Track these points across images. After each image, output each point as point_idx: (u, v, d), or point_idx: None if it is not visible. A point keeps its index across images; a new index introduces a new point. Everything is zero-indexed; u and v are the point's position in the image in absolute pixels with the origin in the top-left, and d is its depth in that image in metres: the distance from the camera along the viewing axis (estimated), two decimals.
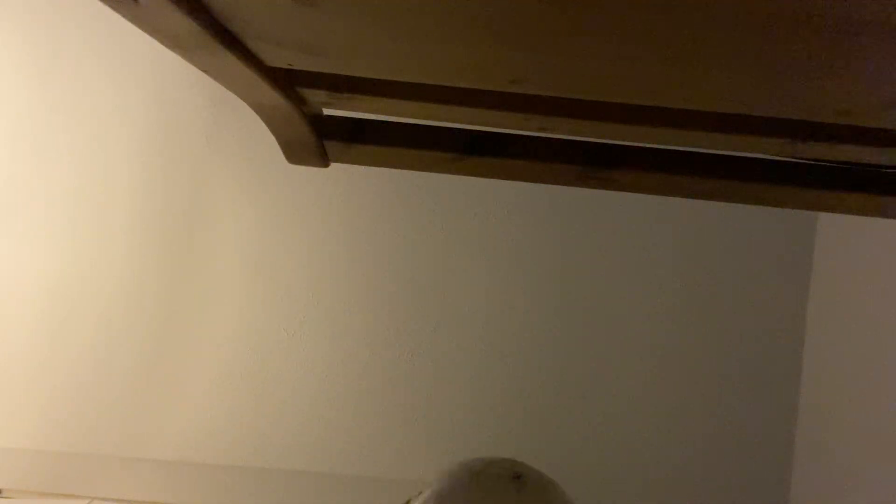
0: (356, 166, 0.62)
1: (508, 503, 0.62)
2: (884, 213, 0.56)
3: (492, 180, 0.62)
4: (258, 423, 1.18)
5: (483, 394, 1.15)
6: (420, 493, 0.66)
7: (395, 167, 0.60)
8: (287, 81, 0.46)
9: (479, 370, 1.15)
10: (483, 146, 0.56)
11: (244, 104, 0.50)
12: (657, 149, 0.55)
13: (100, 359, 1.19)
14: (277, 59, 0.42)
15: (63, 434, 1.18)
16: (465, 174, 0.59)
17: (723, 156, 0.55)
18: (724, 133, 0.46)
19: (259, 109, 0.51)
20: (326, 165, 0.60)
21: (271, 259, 1.19)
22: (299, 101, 0.50)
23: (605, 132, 0.51)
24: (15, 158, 1.21)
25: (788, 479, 1.12)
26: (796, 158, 0.53)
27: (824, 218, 1.12)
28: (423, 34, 0.34)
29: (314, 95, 0.49)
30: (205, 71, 0.42)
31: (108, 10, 0.32)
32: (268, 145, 1.14)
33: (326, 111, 0.56)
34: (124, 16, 0.33)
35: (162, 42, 0.36)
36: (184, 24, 0.32)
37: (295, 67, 0.44)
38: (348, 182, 1.20)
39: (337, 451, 1.17)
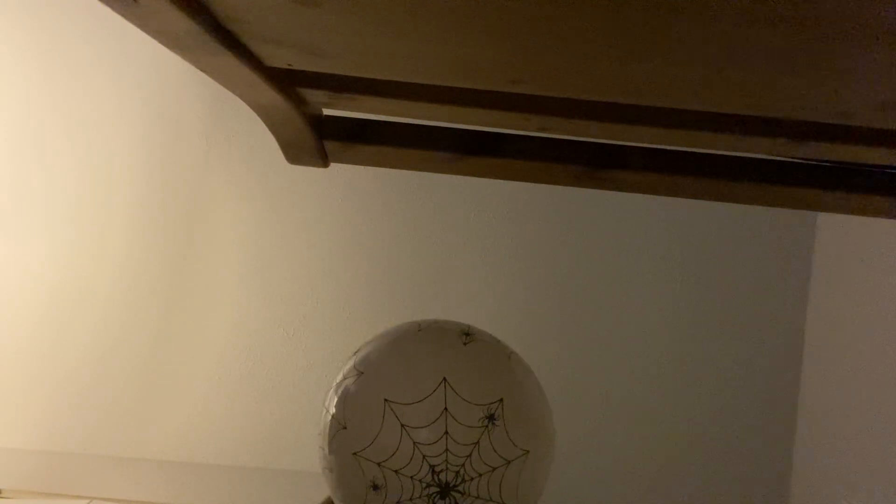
0: (356, 166, 0.62)
1: (454, 351, 0.65)
2: (884, 214, 0.56)
3: (492, 180, 0.62)
4: (258, 423, 1.18)
5: None
6: (370, 341, 0.69)
7: (394, 167, 0.60)
8: (287, 81, 0.46)
9: None
10: (483, 146, 0.57)
11: (244, 104, 0.50)
12: (657, 149, 0.55)
13: (100, 359, 1.19)
14: (277, 59, 0.42)
15: (63, 434, 1.18)
16: (465, 174, 0.59)
17: (723, 156, 0.55)
18: (724, 133, 0.46)
19: (259, 109, 0.51)
20: (326, 165, 0.60)
21: (271, 259, 1.19)
22: (299, 101, 0.50)
23: (605, 132, 0.51)
24: (15, 158, 1.21)
25: (788, 480, 1.12)
26: (796, 158, 0.53)
27: (824, 218, 1.12)
28: (424, 34, 0.34)
29: (314, 95, 0.49)
30: (205, 71, 0.42)
31: (108, 11, 0.32)
32: (268, 145, 1.14)
33: (326, 111, 0.56)
34: (124, 16, 0.33)
35: (162, 42, 0.36)
36: (184, 24, 0.33)
37: (295, 67, 0.44)
38: (348, 182, 1.20)
39: None
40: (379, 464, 0.60)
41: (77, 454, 1.18)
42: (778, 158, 0.53)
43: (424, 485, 0.60)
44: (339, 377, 0.68)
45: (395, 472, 0.60)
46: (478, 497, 0.61)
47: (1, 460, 1.17)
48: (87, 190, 1.20)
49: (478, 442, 0.60)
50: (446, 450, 0.60)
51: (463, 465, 0.60)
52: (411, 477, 0.60)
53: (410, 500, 0.60)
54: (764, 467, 1.13)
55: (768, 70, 0.34)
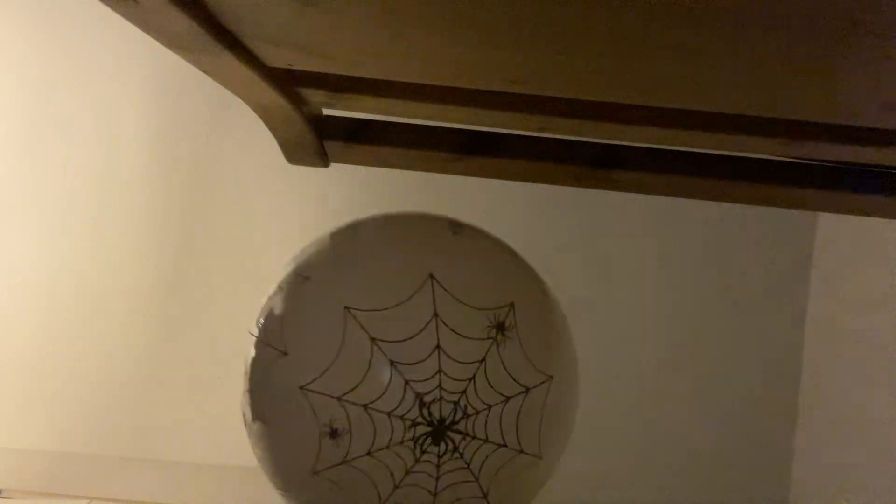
0: (356, 166, 0.62)
1: (442, 242, 0.53)
2: (884, 214, 0.56)
3: (491, 180, 0.62)
4: None
5: None
6: (312, 243, 0.57)
7: (395, 167, 0.61)
8: (287, 81, 0.46)
9: None
10: (483, 146, 0.57)
11: (244, 104, 0.50)
12: (657, 149, 0.55)
13: (100, 359, 1.19)
14: (277, 59, 0.42)
15: (63, 434, 1.18)
16: (465, 174, 0.59)
17: (723, 156, 0.55)
18: (724, 133, 0.46)
19: (259, 109, 0.51)
20: (326, 165, 0.60)
21: (271, 259, 1.19)
22: (299, 101, 0.50)
23: (605, 132, 0.51)
24: (14, 158, 1.21)
25: (788, 480, 1.12)
26: (796, 158, 0.53)
27: (824, 218, 1.12)
28: (423, 34, 0.34)
29: (314, 95, 0.49)
30: (205, 71, 0.42)
31: (108, 10, 0.32)
32: (268, 145, 1.14)
33: (326, 111, 0.56)
34: (124, 16, 0.33)
35: (162, 42, 0.36)
36: (184, 24, 0.33)
37: (295, 67, 0.44)
38: (348, 182, 1.19)
39: None
40: (339, 398, 0.43)
41: (77, 454, 1.18)
42: (778, 158, 0.53)
43: (409, 423, 0.43)
44: (273, 289, 0.50)
45: (364, 407, 0.43)
46: (486, 440, 0.44)
47: (1, 460, 1.17)
48: (86, 190, 1.20)
49: (483, 360, 0.44)
50: (439, 371, 0.43)
51: (463, 392, 0.43)
52: (388, 413, 0.42)
53: (388, 447, 0.43)
54: (764, 467, 1.13)
55: (769, 70, 0.34)
